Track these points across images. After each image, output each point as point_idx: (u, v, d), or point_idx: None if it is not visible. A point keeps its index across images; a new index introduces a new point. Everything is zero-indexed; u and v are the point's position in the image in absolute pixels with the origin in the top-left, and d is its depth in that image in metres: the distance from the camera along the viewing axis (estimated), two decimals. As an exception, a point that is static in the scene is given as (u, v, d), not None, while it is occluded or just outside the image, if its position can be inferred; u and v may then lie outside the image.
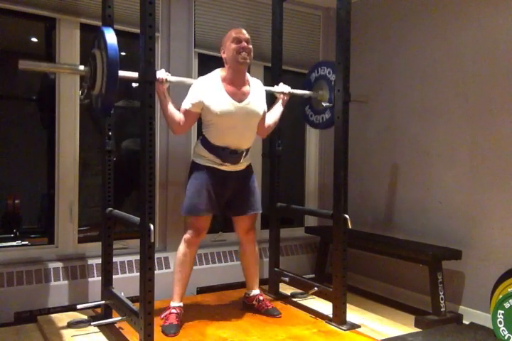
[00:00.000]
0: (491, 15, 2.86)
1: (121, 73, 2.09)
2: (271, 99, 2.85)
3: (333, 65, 2.67)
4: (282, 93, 2.77)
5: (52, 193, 2.97)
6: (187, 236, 2.52)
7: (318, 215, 3.31)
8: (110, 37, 2.03)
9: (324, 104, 2.73)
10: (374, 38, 3.70)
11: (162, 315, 2.46)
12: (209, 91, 2.42)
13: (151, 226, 2.04)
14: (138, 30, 2.08)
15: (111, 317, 2.51)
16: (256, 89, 2.57)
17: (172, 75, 2.43)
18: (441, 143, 3.15)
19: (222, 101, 2.41)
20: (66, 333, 2.38)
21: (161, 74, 2.34)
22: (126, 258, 3.04)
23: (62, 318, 2.58)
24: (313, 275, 3.66)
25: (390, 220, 3.53)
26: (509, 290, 2.54)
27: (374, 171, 3.68)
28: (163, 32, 3.24)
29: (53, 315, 2.64)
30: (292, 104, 3.06)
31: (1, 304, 2.62)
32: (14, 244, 2.90)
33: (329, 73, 2.81)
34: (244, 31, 2.46)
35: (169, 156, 3.25)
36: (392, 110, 3.53)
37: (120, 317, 2.30)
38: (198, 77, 3.34)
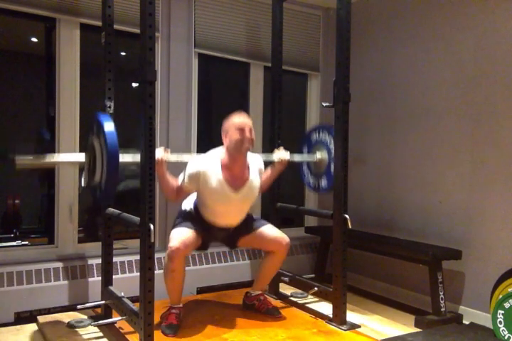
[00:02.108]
0: (491, 15, 2.86)
1: (122, 158, 2.09)
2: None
3: (333, 130, 2.65)
4: (280, 161, 2.70)
5: (52, 193, 2.97)
6: (170, 248, 2.32)
7: (318, 215, 3.31)
8: (108, 127, 2.02)
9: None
10: (374, 38, 3.70)
11: (162, 315, 2.46)
12: (207, 176, 2.39)
13: (151, 226, 2.04)
14: (138, 30, 2.08)
15: (111, 317, 2.51)
16: (255, 169, 2.55)
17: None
18: (442, 143, 3.14)
19: (219, 190, 2.40)
20: (66, 333, 2.38)
21: (160, 153, 2.29)
22: (126, 258, 3.04)
23: (62, 318, 2.58)
24: (313, 275, 3.65)
25: (390, 220, 3.53)
26: (509, 290, 2.54)
27: (374, 171, 3.68)
28: (163, 32, 3.23)
29: (53, 315, 2.64)
30: (291, 103, 3.06)
31: (1, 304, 2.62)
32: (14, 244, 2.90)
33: (329, 141, 2.79)
34: (247, 121, 2.43)
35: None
36: (392, 110, 3.53)
37: (120, 317, 2.30)
38: (198, 77, 3.40)
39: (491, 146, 2.85)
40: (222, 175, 2.41)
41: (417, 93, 3.33)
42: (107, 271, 2.59)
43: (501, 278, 2.65)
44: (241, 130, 2.38)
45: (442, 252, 2.90)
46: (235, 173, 2.46)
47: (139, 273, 2.12)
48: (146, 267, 2.06)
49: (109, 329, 2.42)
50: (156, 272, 2.12)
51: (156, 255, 2.42)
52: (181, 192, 2.45)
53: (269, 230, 2.61)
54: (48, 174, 3.00)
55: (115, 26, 2.59)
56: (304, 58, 3.92)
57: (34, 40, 3.13)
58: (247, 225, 2.61)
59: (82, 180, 2.22)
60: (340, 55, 2.52)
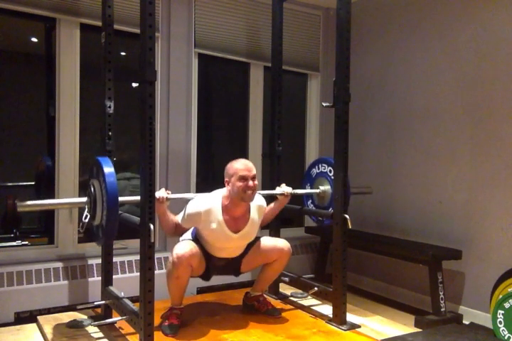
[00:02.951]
0: (491, 15, 2.86)
1: (121, 199, 2.12)
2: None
3: (333, 163, 2.66)
4: (283, 195, 2.71)
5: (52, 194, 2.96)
6: (177, 255, 2.30)
7: (318, 215, 3.31)
8: (108, 169, 2.06)
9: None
10: (374, 38, 3.70)
11: (162, 315, 2.46)
12: (208, 217, 2.38)
13: (151, 226, 2.04)
14: (138, 30, 2.08)
15: (111, 317, 2.51)
16: (256, 211, 2.54)
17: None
18: (442, 143, 3.14)
19: (219, 231, 2.40)
20: (66, 333, 2.38)
21: (161, 193, 2.30)
22: (126, 258, 3.04)
23: (62, 318, 2.58)
24: (313, 276, 3.65)
25: (390, 220, 3.53)
26: (509, 290, 2.54)
27: (374, 171, 3.68)
28: (163, 32, 3.23)
29: (53, 315, 2.64)
30: (292, 101, 3.06)
31: (1, 304, 2.62)
32: (14, 244, 2.90)
33: (330, 172, 2.83)
34: (251, 168, 2.41)
35: (169, 156, 3.25)
36: (392, 110, 3.53)
37: (120, 317, 2.30)
38: (198, 77, 3.40)
39: (491, 146, 2.85)
40: (222, 218, 2.41)
41: (417, 93, 3.33)
42: (107, 271, 2.59)
43: (501, 278, 2.65)
44: (245, 179, 2.37)
45: (442, 252, 2.90)
46: (236, 216, 2.46)
47: (139, 273, 2.12)
48: (146, 267, 2.06)
49: (109, 329, 2.42)
50: (156, 272, 2.12)
51: (156, 255, 2.42)
52: (180, 230, 2.47)
53: (266, 241, 2.62)
54: (49, 174, 3.00)
55: (115, 26, 2.60)
56: (304, 58, 3.92)
57: (34, 40, 3.13)
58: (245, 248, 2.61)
59: (81, 225, 2.22)
60: (340, 55, 2.52)
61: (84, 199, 2.22)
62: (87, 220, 2.17)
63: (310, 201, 3.06)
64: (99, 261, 2.72)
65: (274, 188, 2.86)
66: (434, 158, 3.19)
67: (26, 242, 2.93)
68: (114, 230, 2.08)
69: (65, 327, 2.46)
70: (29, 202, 2.03)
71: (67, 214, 2.96)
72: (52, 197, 2.96)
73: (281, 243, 2.61)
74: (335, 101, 2.58)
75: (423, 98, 3.28)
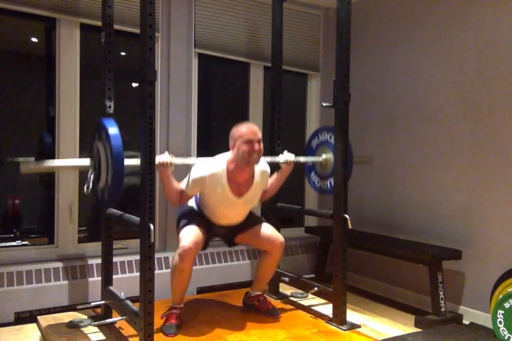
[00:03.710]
0: (491, 15, 2.86)
1: (126, 162, 2.08)
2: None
3: (333, 129, 2.62)
4: (286, 162, 2.68)
5: (52, 193, 2.96)
6: (183, 248, 2.30)
7: (318, 215, 3.31)
8: (113, 131, 2.01)
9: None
10: (374, 38, 3.70)
11: (162, 315, 2.46)
12: (212, 181, 2.37)
13: (151, 226, 2.04)
14: (138, 30, 2.08)
15: (111, 317, 2.51)
16: (260, 176, 2.53)
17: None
18: (442, 143, 3.14)
19: (223, 196, 2.40)
20: (66, 333, 2.38)
21: (165, 157, 2.27)
22: (126, 258, 3.04)
23: (62, 318, 2.57)
24: (313, 275, 3.65)
25: (390, 220, 3.53)
26: (509, 290, 2.54)
27: (374, 171, 3.68)
28: (163, 32, 3.23)
29: (53, 315, 2.63)
30: (292, 101, 3.06)
31: (1, 304, 2.62)
32: (14, 244, 2.90)
33: (330, 138, 2.78)
34: (256, 131, 2.39)
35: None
36: (392, 110, 3.53)
37: (120, 317, 2.30)
38: (198, 77, 3.40)
39: (491, 146, 2.85)
40: (227, 182, 2.40)
41: (417, 93, 3.33)
42: (107, 271, 2.59)
43: (501, 278, 2.65)
44: (250, 142, 2.35)
45: (442, 252, 2.90)
46: (240, 181, 2.45)
47: (139, 273, 2.12)
48: (146, 267, 2.05)
49: (109, 329, 2.42)
50: (156, 272, 2.12)
51: (156, 255, 2.42)
52: (184, 197, 2.44)
53: (264, 229, 2.61)
54: (49, 174, 3.00)
55: (115, 26, 2.59)
56: (304, 58, 3.92)
57: (34, 40, 3.13)
58: (245, 222, 2.61)
59: (85, 186, 2.20)
60: (340, 55, 2.52)
61: (88, 161, 2.18)
62: (91, 180, 2.13)
63: (313, 172, 3.00)
64: (99, 261, 2.72)
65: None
66: (434, 158, 3.19)
67: (26, 242, 2.93)
68: (118, 193, 2.04)
69: (65, 327, 2.45)
70: (32, 164, 2.00)
71: (67, 214, 2.96)
72: (53, 197, 2.96)
73: (276, 236, 2.60)
74: (335, 101, 2.58)
75: (423, 98, 3.29)
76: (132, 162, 2.16)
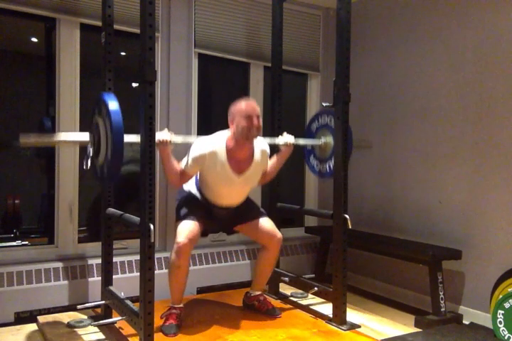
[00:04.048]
0: (491, 15, 2.86)
1: (126, 138, 2.05)
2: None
3: (333, 113, 2.61)
4: (286, 145, 2.68)
5: (52, 193, 2.97)
6: (178, 244, 2.32)
7: (318, 215, 3.31)
8: (113, 105, 1.99)
9: (324, 104, 2.73)
10: (374, 38, 3.70)
11: (162, 315, 2.46)
12: (212, 158, 2.37)
13: (151, 226, 2.04)
14: (138, 30, 2.08)
15: (111, 317, 2.51)
16: (259, 152, 2.53)
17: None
18: (442, 143, 3.15)
19: (223, 173, 2.40)
20: (66, 333, 2.38)
21: (165, 135, 2.26)
22: (126, 258, 3.04)
23: (62, 318, 2.58)
24: (313, 275, 3.65)
25: (390, 220, 3.53)
26: (509, 290, 2.54)
27: (374, 171, 3.68)
28: (163, 32, 3.24)
29: (53, 315, 2.63)
30: (292, 101, 3.05)
31: (1, 304, 2.62)
32: (14, 244, 2.90)
33: (330, 121, 2.77)
34: (255, 106, 2.39)
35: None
36: (392, 110, 3.53)
37: (120, 317, 2.30)
38: (198, 77, 3.40)
39: (491, 146, 2.85)
40: (226, 159, 2.40)
41: (417, 93, 3.33)
42: (107, 271, 2.59)
43: (501, 278, 2.65)
44: (249, 117, 2.35)
45: (442, 252, 2.90)
46: (240, 158, 2.45)
47: (139, 273, 2.12)
48: (146, 267, 2.05)
49: (109, 330, 2.42)
50: (156, 272, 2.12)
51: (156, 255, 2.42)
52: (185, 176, 2.42)
53: (265, 223, 2.61)
54: (48, 174, 3.00)
55: (115, 26, 2.59)
56: (304, 58, 3.92)
57: (34, 40, 3.12)
58: (247, 213, 2.61)
59: (85, 162, 2.18)
60: (340, 55, 2.52)
61: (88, 135, 2.17)
62: (90, 155, 2.13)
63: (312, 155, 2.99)
64: (99, 261, 2.72)
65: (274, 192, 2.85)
66: (434, 158, 3.19)
67: (26, 242, 2.93)
68: (118, 168, 2.02)
69: (65, 327, 2.46)
70: (32, 136, 2.00)
71: (67, 214, 2.97)
72: (53, 197, 2.96)
73: (275, 231, 2.60)
74: (335, 101, 2.58)
75: (423, 98, 3.29)
76: (132, 138, 2.14)
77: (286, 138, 2.70)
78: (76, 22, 2.96)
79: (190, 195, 2.58)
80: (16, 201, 3.00)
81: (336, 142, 2.57)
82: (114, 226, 2.61)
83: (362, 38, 3.73)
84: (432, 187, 3.21)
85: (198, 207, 2.51)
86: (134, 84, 3.28)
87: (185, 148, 2.45)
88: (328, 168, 2.80)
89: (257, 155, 2.52)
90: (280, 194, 3.08)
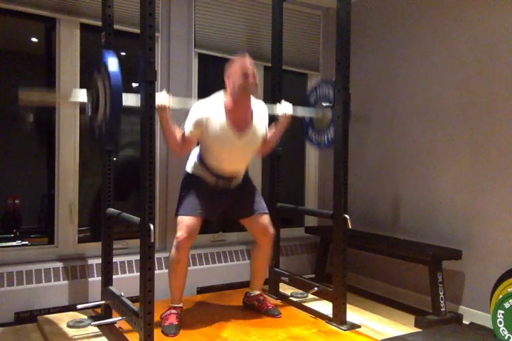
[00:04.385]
0: (491, 15, 2.86)
1: (125, 98, 2.04)
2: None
3: (332, 83, 2.62)
4: (284, 115, 2.66)
5: (52, 193, 2.97)
6: (178, 239, 2.37)
7: (318, 215, 3.31)
8: (112, 63, 1.98)
9: (324, 104, 2.73)
10: (374, 38, 3.70)
11: (162, 315, 2.46)
12: (211, 120, 2.36)
13: (151, 226, 2.04)
14: (138, 30, 2.08)
15: (111, 317, 2.51)
16: (259, 116, 2.53)
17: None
18: (442, 143, 3.14)
19: (223, 133, 2.39)
20: (66, 333, 2.38)
21: (163, 99, 2.24)
22: (126, 258, 3.04)
23: (62, 318, 2.58)
24: (313, 276, 3.66)
25: (389, 220, 3.53)
26: (509, 290, 2.54)
27: (374, 171, 3.68)
28: (163, 32, 3.24)
29: (53, 315, 2.64)
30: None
31: (1, 304, 2.62)
32: (14, 244, 2.90)
33: (329, 91, 2.75)
34: (250, 64, 2.38)
35: (169, 156, 3.25)
36: (393, 110, 3.53)
37: (120, 317, 2.30)
38: (198, 77, 3.40)
39: (491, 146, 2.85)
40: (225, 119, 2.39)
41: (417, 93, 3.33)
42: (107, 271, 2.59)
43: (501, 278, 2.65)
44: (245, 75, 2.34)
45: (442, 252, 2.90)
46: (239, 117, 2.43)
47: (139, 273, 2.12)
48: (146, 267, 2.05)
49: (109, 329, 2.42)
50: (156, 272, 2.12)
51: (156, 255, 2.42)
52: (186, 143, 2.40)
53: (264, 220, 2.63)
54: (48, 174, 3.00)
55: (115, 26, 2.59)
56: (304, 58, 3.92)
57: (34, 40, 3.13)
58: (252, 205, 2.61)
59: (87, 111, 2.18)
60: (341, 55, 2.52)
61: (86, 94, 2.18)
62: (89, 114, 2.13)
63: (310, 128, 2.97)
64: (99, 261, 2.72)
65: (274, 191, 2.84)
66: (434, 158, 3.19)
67: (26, 242, 2.93)
68: (116, 128, 2.01)
69: (65, 327, 2.46)
70: (32, 93, 2.02)
71: (67, 214, 2.97)
72: (53, 197, 2.97)
73: (270, 227, 2.63)
74: (335, 101, 2.58)
75: (423, 98, 3.29)
76: (130, 99, 2.12)
77: (284, 108, 2.68)
78: (76, 22, 2.96)
79: (191, 178, 2.53)
80: (16, 201, 3.00)
81: (336, 141, 2.57)
82: (114, 226, 2.61)
83: (362, 38, 3.73)
84: (432, 187, 3.21)
85: (199, 192, 2.47)
86: (134, 84, 3.29)
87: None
88: (326, 139, 2.80)
89: (257, 118, 2.51)
90: (280, 194, 3.08)
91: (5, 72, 2.94)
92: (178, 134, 2.38)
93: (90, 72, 2.22)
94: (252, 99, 2.49)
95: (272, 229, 2.64)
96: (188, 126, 2.38)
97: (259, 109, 2.55)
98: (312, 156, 4.08)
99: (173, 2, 3.25)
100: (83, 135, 3.03)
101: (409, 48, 3.40)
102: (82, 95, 2.22)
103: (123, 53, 3.30)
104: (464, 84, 3.01)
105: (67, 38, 2.95)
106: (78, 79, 2.98)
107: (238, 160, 2.52)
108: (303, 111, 2.82)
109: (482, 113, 2.90)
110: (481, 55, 2.91)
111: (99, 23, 2.66)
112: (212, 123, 2.36)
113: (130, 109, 2.15)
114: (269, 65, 3.19)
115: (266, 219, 2.64)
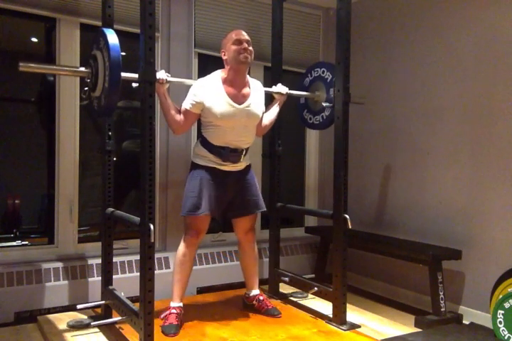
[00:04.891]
0: (491, 15, 2.86)
1: (123, 74, 2.08)
2: (268, 99, 2.85)
3: (327, 65, 2.70)
4: (280, 94, 2.79)
5: (52, 193, 2.97)
6: (186, 237, 2.51)
7: (318, 215, 3.31)
8: (112, 38, 2.02)
9: (324, 104, 2.73)
10: (374, 38, 3.69)
11: (162, 315, 2.46)
12: (209, 93, 2.44)
13: (151, 226, 2.04)
14: (138, 30, 2.08)
15: (111, 317, 2.51)
16: (256, 91, 2.59)
17: (172, 76, 2.44)
18: (442, 143, 3.14)
19: (223, 104, 2.43)
20: (66, 333, 2.38)
21: (161, 74, 2.36)
22: (126, 258, 3.04)
23: (62, 318, 2.58)
24: (313, 276, 3.65)
25: (390, 220, 3.53)
26: (509, 290, 2.54)
27: (374, 171, 3.68)
28: (163, 32, 3.24)
29: (53, 315, 2.64)
30: (291, 104, 3.06)
31: (1, 304, 2.62)
32: (14, 244, 2.90)
33: (323, 72, 2.82)
34: (244, 33, 2.49)
35: (169, 156, 3.25)
36: (392, 110, 3.53)
37: (120, 317, 2.30)
38: (198, 77, 3.39)
39: (491, 146, 2.85)
40: (224, 90, 2.46)
41: (417, 93, 3.33)
42: (107, 271, 2.59)
43: (501, 278, 2.65)
44: (239, 41, 2.44)
45: (442, 252, 2.90)
46: (237, 86, 2.50)
47: (139, 273, 2.13)
48: (146, 267, 2.06)
49: (109, 330, 2.42)
50: (156, 272, 2.12)
51: (156, 255, 2.43)
52: (186, 119, 2.47)
53: (251, 217, 2.69)
54: (48, 174, 3.00)
55: (115, 26, 2.59)
56: (304, 58, 3.91)
57: (34, 40, 3.12)
58: (250, 205, 2.64)
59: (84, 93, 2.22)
60: (341, 55, 2.52)
61: (84, 69, 2.20)
62: (87, 89, 2.18)
63: (305, 110, 3.02)
64: (99, 261, 2.72)
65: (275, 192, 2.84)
66: (434, 158, 3.19)
67: (26, 242, 2.93)
68: (114, 100, 2.04)
69: (65, 327, 2.46)
70: (31, 64, 2.07)
71: (67, 214, 2.97)
72: (53, 197, 2.97)
73: (251, 228, 2.71)
74: (335, 102, 2.58)
75: (423, 98, 3.28)
76: (129, 75, 2.16)
77: (280, 88, 2.80)
78: (76, 22, 2.96)
79: (196, 170, 2.53)
80: (16, 201, 3.00)
81: (337, 141, 2.57)
82: (114, 226, 2.61)
83: (362, 38, 3.73)
84: (431, 187, 3.21)
85: (204, 188, 2.48)
86: (134, 84, 3.28)
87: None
88: (321, 119, 2.86)
89: (254, 92, 2.57)
90: (280, 194, 3.08)
91: (5, 72, 2.94)
92: (176, 109, 2.47)
93: (89, 49, 2.24)
94: (249, 78, 2.58)
95: (253, 229, 2.72)
96: (189, 102, 2.45)
97: (257, 87, 2.63)
98: (312, 156, 4.08)
99: (173, 2, 3.25)
100: (83, 135, 3.03)
101: (409, 48, 3.40)
102: (81, 70, 2.24)
103: (123, 53, 3.29)
104: (464, 84, 3.01)
105: (67, 38, 2.95)
106: (78, 79, 2.97)
107: (241, 131, 2.53)
108: (298, 93, 2.90)
109: (482, 112, 2.90)
110: (481, 55, 2.91)
111: (99, 23, 2.66)
112: (212, 95, 2.43)
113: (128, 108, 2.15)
114: (269, 64, 3.19)
115: (253, 219, 2.72)
